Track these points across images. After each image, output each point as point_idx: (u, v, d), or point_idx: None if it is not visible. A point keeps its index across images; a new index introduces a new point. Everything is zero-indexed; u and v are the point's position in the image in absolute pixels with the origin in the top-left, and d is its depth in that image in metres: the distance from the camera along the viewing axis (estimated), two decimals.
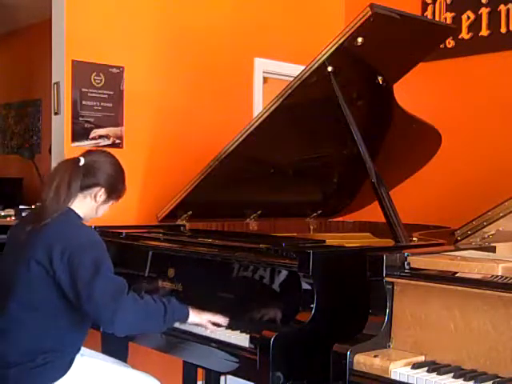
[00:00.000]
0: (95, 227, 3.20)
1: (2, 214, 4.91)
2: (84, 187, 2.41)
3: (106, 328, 2.31)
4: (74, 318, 2.34)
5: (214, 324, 2.42)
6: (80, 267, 2.22)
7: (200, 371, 3.39)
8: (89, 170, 2.41)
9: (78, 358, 2.39)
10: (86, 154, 2.50)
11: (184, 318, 2.42)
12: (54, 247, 2.24)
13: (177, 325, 2.50)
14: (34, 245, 2.29)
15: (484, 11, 4.21)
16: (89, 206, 2.45)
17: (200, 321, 2.42)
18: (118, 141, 3.76)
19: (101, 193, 2.44)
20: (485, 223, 2.51)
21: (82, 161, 2.42)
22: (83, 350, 2.47)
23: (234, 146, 2.95)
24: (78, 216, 2.42)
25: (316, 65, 2.73)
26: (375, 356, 1.94)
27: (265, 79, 4.51)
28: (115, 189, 2.48)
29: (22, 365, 2.28)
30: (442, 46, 4.03)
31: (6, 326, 2.33)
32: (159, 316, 2.33)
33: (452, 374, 1.82)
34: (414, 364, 1.89)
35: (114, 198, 2.51)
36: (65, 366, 2.33)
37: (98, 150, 2.61)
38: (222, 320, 2.43)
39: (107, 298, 2.20)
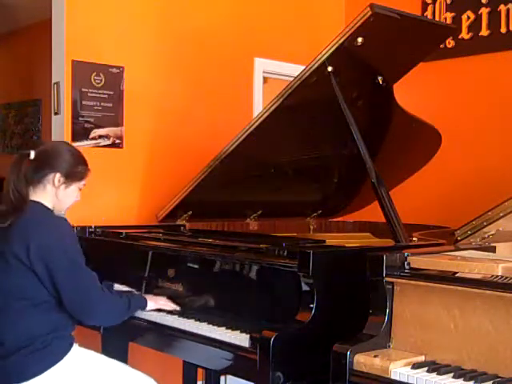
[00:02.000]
0: (95, 228, 3.22)
1: None
2: (41, 177, 2.46)
3: (83, 319, 2.47)
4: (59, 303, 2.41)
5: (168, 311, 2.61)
6: (59, 265, 2.34)
7: (200, 371, 3.39)
8: (41, 160, 2.48)
9: (77, 348, 2.44)
10: (38, 145, 2.58)
11: (143, 308, 2.61)
12: (30, 242, 2.32)
13: (176, 325, 2.51)
14: (10, 240, 2.35)
15: (484, 11, 4.21)
16: (51, 193, 2.49)
17: (157, 306, 2.63)
18: (118, 141, 3.76)
19: (57, 177, 2.47)
20: (485, 223, 2.51)
21: (33, 154, 2.48)
22: (86, 352, 2.49)
23: (234, 145, 2.95)
24: (47, 208, 2.47)
25: (316, 65, 2.73)
26: (375, 356, 1.93)
27: (265, 79, 4.51)
28: (73, 172, 2.52)
29: (21, 350, 2.32)
30: (442, 45, 4.03)
31: None
32: (124, 310, 2.53)
33: (452, 374, 1.81)
34: (414, 364, 1.89)
35: (75, 181, 2.54)
36: (64, 349, 2.38)
37: (50, 140, 2.69)
38: (172, 306, 2.63)
39: (94, 294, 2.41)
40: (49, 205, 2.48)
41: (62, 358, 2.36)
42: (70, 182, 2.51)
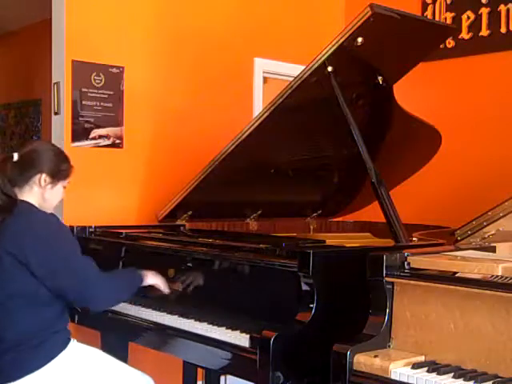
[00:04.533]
0: (95, 228, 3.21)
1: None
2: (27, 179, 2.47)
3: (87, 305, 2.50)
4: (57, 298, 2.40)
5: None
6: (56, 256, 2.36)
7: (200, 371, 3.39)
8: (25, 162, 2.48)
9: (75, 344, 2.46)
10: (21, 147, 2.57)
11: (141, 283, 2.61)
12: (24, 238, 2.33)
13: (176, 325, 2.51)
14: (2, 238, 2.35)
15: (484, 11, 4.21)
16: (37, 194, 2.49)
17: (154, 282, 2.66)
18: (118, 141, 3.76)
19: (43, 177, 2.47)
20: (485, 223, 2.50)
21: (16, 156, 2.47)
22: (82, 346, 2.50)
23: (234, 145, 2.95)
24: (34, 206, 2.47)
25: (316, 65, 2.73)
26: (375, 356, 1.93)
27: (265, 79, 4.51)
28: (57, 170, 2.52)
29: (18, 346, 2.33)
30: (442, 46, 4.03)
31: None
32: (127, 286, 2.56)
33: (452, 374, 1.82)
34: (414, 364, 1.89)
35: (60, 179, 2.54)
36: (61, 344, 2.39)
37: (31, 140, 2.70)
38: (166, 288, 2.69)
39: (94, 278, 2.41)
40: (35, 204, 2.48)
41: (58, 354, 2.36)
42: (55, 181, 2.51)
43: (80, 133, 3.62)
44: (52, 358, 2.35)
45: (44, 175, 2.47)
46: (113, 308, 2.72)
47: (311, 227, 3.82)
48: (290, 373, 2.18)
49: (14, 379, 2.31)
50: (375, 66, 3.03)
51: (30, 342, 2.34)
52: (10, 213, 2.39)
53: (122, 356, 3.00)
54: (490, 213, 2.50)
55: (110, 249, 3.13)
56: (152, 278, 2.66)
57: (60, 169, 2.53)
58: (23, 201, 2.45)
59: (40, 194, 2.49)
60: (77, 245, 2.46)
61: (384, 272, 2.04)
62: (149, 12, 3.89)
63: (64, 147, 3.57)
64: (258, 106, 4.35)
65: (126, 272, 2.72)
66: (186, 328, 2.49)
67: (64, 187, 2.57)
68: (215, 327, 2.42)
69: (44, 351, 2.35)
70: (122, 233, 3.11)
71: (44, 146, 2.62)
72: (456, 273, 1.96)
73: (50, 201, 2.53)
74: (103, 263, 2.91)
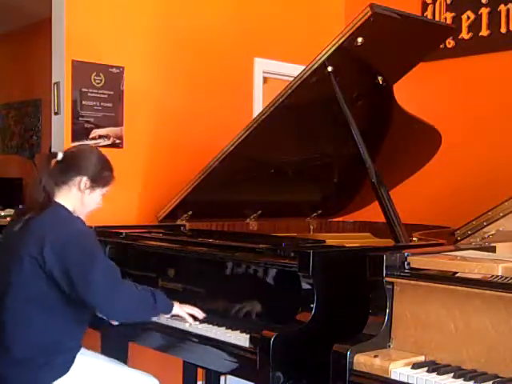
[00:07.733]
0: (95, 228, 3.21)
1: (2, 213, 4.92)
2: (67, 179, 2.44)
3: (104, 314, 2.38)
4: (72, 309, 2.36)
5: (193, 317, 2.49)
6: (73, 258, 2.28)
7: (200, 371, 3.39)
8: (69, 163, 2.47)
9: (78, 357, 2.40)
10: (67, 148, 2.57)
11: (168, 310, 2.48)
12: (45, 240, 2.28)
13: (176, 325, 2.51)
14: (25, 240, 2.32)
15: (484, 11, 4.21)
16: (75, 197, 2.46)
17: (181, 313, 2.49)
18: (118, 141, 3.76)
19: (84, 181, 2.45)
20: (485, 223, 2.51)
21: (60, 155, 2.47)
22: (83, 350, 2.48)
23: (234, 146, 2.96)
24: (67, 210, 2.44)
25: (316, 65, 2.73)
26: (375, 356, 1.93)
27: (265, 79, 4.51)
28: (99, 177, 2.49)
29: (25, 363, 2.29)
30: (442, 46, 4.03)
31: (7, 322, 2.34)
32: (150, 305, 2.41)
33: (452, 374, 1.82)
34: (414, 364, 1.89)
35: (100, 186, 2.51)
36: (67, 365, 2.34)
37: (79, 144, 2.66)
38: (200, 314, 2.50)
39: (106, 286, 2.30)
40: (70, 207, 2.45)
41: (63, 374, 2.33)
42: (95, 187, 2.49)
43: (80, 133, 3.62)
44: (58, 377, 2.31)
45: (85, 178, 2.45)
46: None
47: (311, 227, 3.82)
48: (289, 373, 2.18)
49: None
50: (375, 66, 3.03)
51: (36, 360, 2.29)
52: (40, 212, 2.35)
53: (122, 356, 3.00)
54: (490, 213, 2.51)
55: (110, 249, 3.12)
56: (178, 309, 2.49)
57: (102, 175, 2.50)
58: (57, 203, 2.42)
59: (78, 197, 2.46)
60: (98, 251, 2.37)
61: (384, 272, 2.04)
62: (149, 12, 3.89)
63: (64, 147, 3.58)
64: (258, 106, 4.35)
65: (155, 292, 2.47)
66: (186, 328, 2.48)
67: (102, 195, 2.54)
68: (215, 327, 2.42)
69: (49, 371, 2.30)
70: (121, 233, 3.11)
71: (89, 150, 2.61)
72: (456, 273, 1.96)
73: (86, 206, 2.50)
74: None
